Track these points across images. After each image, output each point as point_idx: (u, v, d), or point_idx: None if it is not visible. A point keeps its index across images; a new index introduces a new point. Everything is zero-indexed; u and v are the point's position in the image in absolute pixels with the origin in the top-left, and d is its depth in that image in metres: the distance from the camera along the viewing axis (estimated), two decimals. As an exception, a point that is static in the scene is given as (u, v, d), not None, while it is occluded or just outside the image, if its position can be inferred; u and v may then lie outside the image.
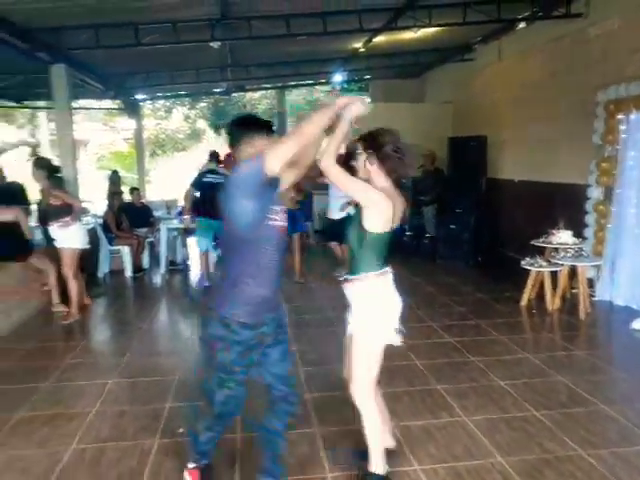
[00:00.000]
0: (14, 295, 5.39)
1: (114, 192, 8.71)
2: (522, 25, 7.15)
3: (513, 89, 7.86)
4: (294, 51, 8.74)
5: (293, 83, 13.36)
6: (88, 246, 5.69)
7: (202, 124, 22.84)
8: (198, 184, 6.44)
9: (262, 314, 2.25)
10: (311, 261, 7.83)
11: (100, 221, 7.66)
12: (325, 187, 7.03)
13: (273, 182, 2.17)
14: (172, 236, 8.18)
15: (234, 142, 2.23)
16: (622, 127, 5.48)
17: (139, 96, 12.62)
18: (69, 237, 5.35)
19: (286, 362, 2.41)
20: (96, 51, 6.98)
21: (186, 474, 2.56)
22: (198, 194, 6.54)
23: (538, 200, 7.15)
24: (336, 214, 6.54)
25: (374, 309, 2.38)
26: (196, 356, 4.46)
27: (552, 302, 5.40)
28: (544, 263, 5.46)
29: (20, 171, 9.67)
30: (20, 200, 6.17)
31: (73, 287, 5.41)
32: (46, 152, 17.09)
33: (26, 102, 13.46)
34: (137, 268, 7.63)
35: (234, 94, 15.94)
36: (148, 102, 16.36)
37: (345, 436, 2.98)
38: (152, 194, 13.25)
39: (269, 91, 16.62)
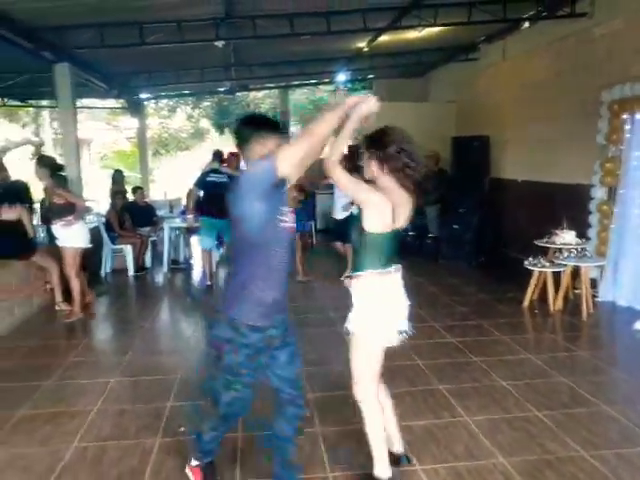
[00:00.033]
0: (17, 293, 5.40)
1: (117, 191, 8.71)
2: (527, 25, 7.14)
3: (517, 89, 7.83)
4: (298, 50, 8.74)
5: (297, 83, 13.37)
6: (90, 245, 5.70)
7: (205, 123, 22.88)
8: (201, 183, 6.47)
9: (272, 316, 2.22)
10: (313, 261, 7.82)
11: (103, 220, 7.68)
12: (329, 187, 7.05)
13: (281, 182, 2.12)
14: (175, 235, 8.19)
15: (242, 141, 2.18)
16: (626, 127, 5.46)
17: (143, 95, 12.65)
18: (71, 236, 5.37)
19: (294, 365, 2.38)
20: (100, 50, 6.99)
21: (189, 471, 2.56)
22: (201, 193, 6.56)
23: (541, 200, 7.13)
24: (339, 214, 6.59)
25: (373, 307, 2.36)
26: (198, 355, 4.49)
27: (555, 303, 5.38)
28: (547, 263, 5.45)
29: (24, 170, 9.71)
30: (24, 199, 6.19)
31: (75, 286, 5.42)
32: (49, 151, 17.13)
33: (30, 101, 13.51)
34: (139, 267, 7.65)
35: (238, 93, 15.95)
36: (152, 101, 16.38)
37: (347, 436, 2.98)
38: (155, 193, 13.27)
39: (272, 90, 16.61)
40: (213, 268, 6.99)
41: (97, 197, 11.71)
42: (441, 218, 8.24)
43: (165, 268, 7.73)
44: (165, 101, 19.51)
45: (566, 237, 5.42)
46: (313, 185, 8.88)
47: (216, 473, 2.61)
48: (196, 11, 6.25)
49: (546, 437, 3.00)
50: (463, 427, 3.13)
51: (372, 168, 2.35)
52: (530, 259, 5.54)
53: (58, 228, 5.35)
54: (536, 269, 5.47)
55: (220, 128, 22.09)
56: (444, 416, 3.27)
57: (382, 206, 2.28)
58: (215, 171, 6.47)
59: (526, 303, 5.56)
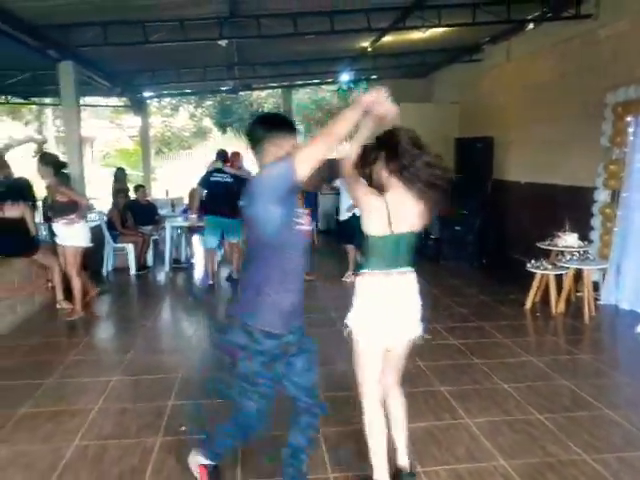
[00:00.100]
0: (19, 291, 5.41)
1: (119, 189, 8.72)
2: (531, 26, 7.11)
3: (521, 90, 7.82)
4: (301, 50, 8.73)
5: (300, 82, 13.36)
6: (91, 244, 5.70)
7: (208, 122, 22.90)
8: (205, 183, 6.48)
9: (289, 323, 2.16)
10: (315, 261, 7.81)
11: (105, 218, 7.68)
12: (332, 188, 7.07)
13: (297, 185, 2.04)
14: (176, 234, 8.20)
15: (256, 142, 2.11)
16: (630, 130, 5.44)
17: (146, 94, 12.67)
18: (73, 235, 5.37)
19: (311, 372, 2.31)
20: (104, 48, 7.00)
21: (196, 467, 2.51)
22: (205, 192, 6.57)
23: (544, 202, 7.12)
24: (343, 215, 6.65)
25: (368, 307, 2.33)
26: (199, 354, 4.49)
27: (557, 305, 5.37)
28: (549, 266, 5.43)
29: (26, 167, 9.71)
30: (26, 196, 6.19)
31: (77, 285, 5.43)
32: (52, 149, 17.16)
33: (33, 99, 13.53)
34: (141, 266, 7.65)
35: (241, 93, 15.96)
36: (154, 100, 16.39)
37: (348, 437, 2.98)
38: (157, 192, 13.28)
39: (275, 90, 16.62)
40: (215, 267, 6.99)
41: (99, 195, 11.73)
42: (443, 219, 8.21)
43: (167, 267, 7.73)
44: (168, 100, 19.55)
45: (569, 240, 5.41)
46: (317, 188, 8.90)
47: (221, 476, 2.57)
48: (200, 10, 6.25)
49: (547, 440, 2.99)
50: (464, 429, 3.13)
51: (378, 169, 2.32)
52: (532, 261, 5.53)
53: (60, 226, 5.35)
54: (538, 271, 5.45)
55: (222, 127, 22.12)
56: (445, 418, 3.26)
57: (377, 210, 2.24)
58: (219, 171, 6.49)
59: (528, 305, 5.55)
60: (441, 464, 2.77)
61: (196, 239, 8.12)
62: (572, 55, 6.62)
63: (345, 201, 6.57)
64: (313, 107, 19.26)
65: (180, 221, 7.97)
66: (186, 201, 8.76)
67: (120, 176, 9.86)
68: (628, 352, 4.65)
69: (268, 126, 2.12)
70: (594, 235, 5.91)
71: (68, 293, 5.60)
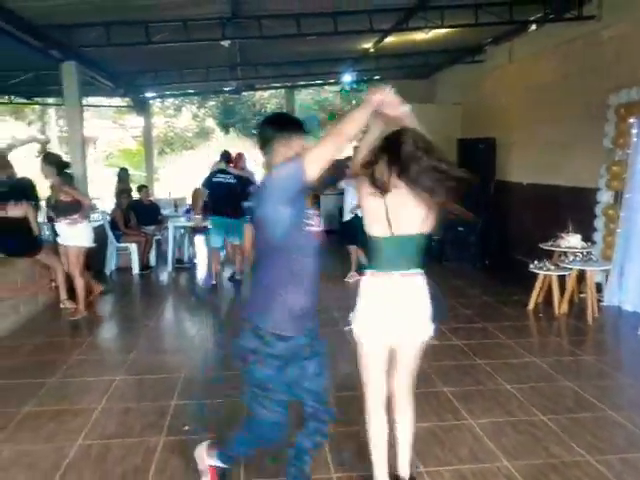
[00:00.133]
0: (23, 291, 5.42)
1: (122, 190, 8.74)
2: (534, 27, 7.11)
3: (523, 91, 7.81)
4: (304, 51, 8.74)
5: (303, 83, 13.38)
6: (94, 244, 5.71)
7: (211, 123, 22.92)
8: (209, 184, 6.50)
9: (302, 325, 2.13)
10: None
11: (108, 218, 7.70)
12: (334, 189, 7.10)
13: (308, 185, 2.01)
14: (179, 234, 8.21)
15: (265, 142, 2.08)
16: (633, 131, 5.44)
17: (148, 94, 12.69)
18: (76, 235, 5.38)
19: (322, 377, 2.26)
20: (106, 49, 7.01)
21: (206, 467, 2.47)
22: (208, 193, 6.59)
23: (547, 203, 7.11)
24: (347, 215, 6.69)
25: (367, 307, 2.34)
26: (202, 354, 4.50)
27: (560, 306, 5.36)
28: (552, 267, 5.43)
29: (29, 167, 9.73)
30: (30, 196, 6.20)
31: (80, 284, 5.44)
32: (55, 149, 17.19)
33: (36, 99, 13.55)
34: (144, 266, 7.66)
35: (243, 93, 15.96)
36: (157, 100, 16.41)
37: (351, 437, 2.97)
38: (160, 192, 13.30)
39: (278, 90, 16.62)
40: (218, 267, 7.00)
41: (102, 195, 11.75)
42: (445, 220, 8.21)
43: (170, 267, 7.74)
44: (171, 100, 19.56)
45: (571, 241, 5.41)
46: (319, 190, 8.91)
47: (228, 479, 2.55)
48: (202, 10, 6.26)
49: (551, 441, 2.99)
50: (467, 430, 3.12)
51: (381, 170, 2.29)
52: (535, 262, 5.52)
53: (62, 226, 5.36)
54: (541, 272, 5.45)
55: (225, 128, 22.15)
56: (448, 418, 3.26)
57: (375, 211, 2.23)
58: (222, 171, 6.50)
59: (531, 306, 5.54)
60: (444, 465, 2.77)
61: (199, 239, 8.13)
62: (575, 56, 6.62)
63: (349, 202, 6.58)
64: (316, 107, 19.28)
65: (183, 221, 7.99)
66: (189, 201, 8.78)
67: (123, 176, 9.88)
68: (631, 353, 4.64)
69: (278, 126, 2.10)
70: (597, 236, 5.90)
71: (72, 293, 5.61)
